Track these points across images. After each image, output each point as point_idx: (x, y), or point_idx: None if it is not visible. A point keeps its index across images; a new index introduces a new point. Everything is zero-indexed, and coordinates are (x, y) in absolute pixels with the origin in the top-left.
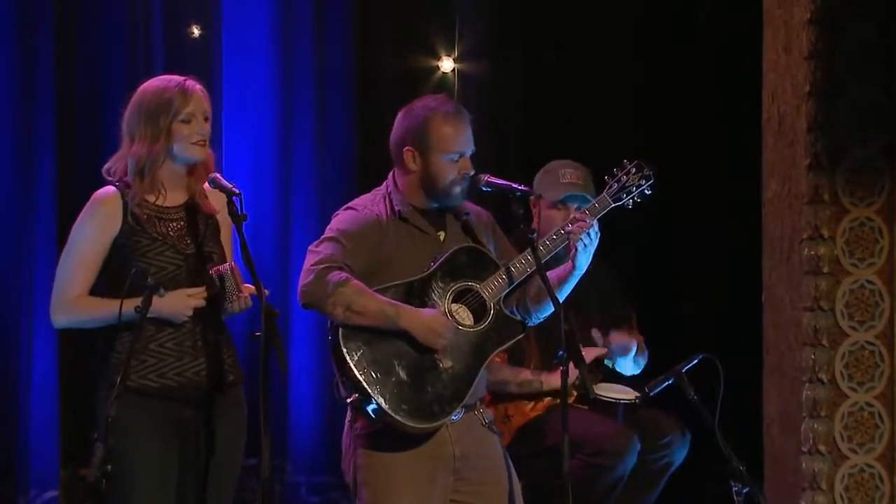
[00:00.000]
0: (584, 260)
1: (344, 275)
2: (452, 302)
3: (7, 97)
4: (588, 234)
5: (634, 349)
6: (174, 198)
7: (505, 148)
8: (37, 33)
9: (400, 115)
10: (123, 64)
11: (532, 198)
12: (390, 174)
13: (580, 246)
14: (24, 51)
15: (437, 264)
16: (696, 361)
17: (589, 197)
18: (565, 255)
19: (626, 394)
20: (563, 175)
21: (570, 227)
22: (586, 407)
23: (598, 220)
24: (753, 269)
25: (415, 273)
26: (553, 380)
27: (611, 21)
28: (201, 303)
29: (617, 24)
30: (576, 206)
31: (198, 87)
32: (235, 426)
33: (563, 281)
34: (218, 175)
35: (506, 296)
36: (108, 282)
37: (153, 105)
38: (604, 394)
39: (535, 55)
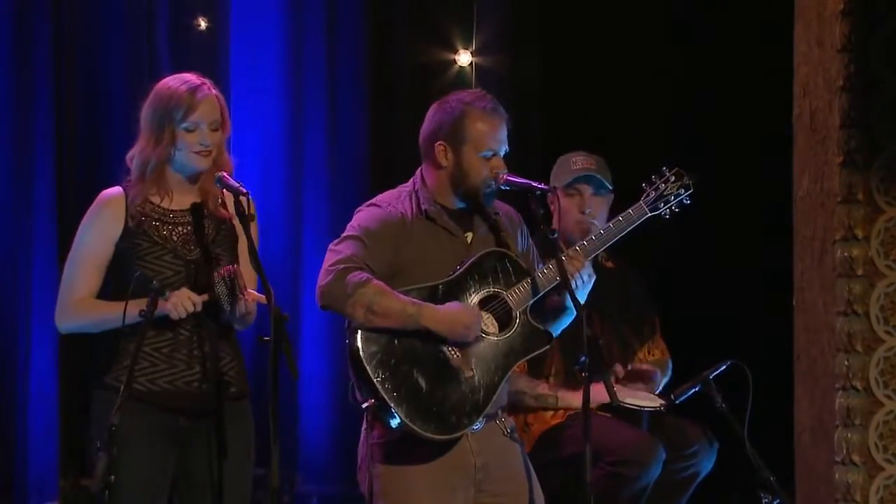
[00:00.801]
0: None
1: (364, 275)
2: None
3: (2, 96)
4: (581, 276)
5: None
6: (182, 201)
7: (524, 145)
8: (33, 25)
9: (432, 108)
10: (126, 58)
11: (549, 194)
12: (418, 171)
13: (573, 286)
14: (20, 44)
15: (463, 268)
16: (724, 368)
17: (602, 178)
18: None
19: (650, 401)
20: (574, 162)
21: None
22: (609, 414)
23: (633, 228)
24: (784, 271)
25: (439, 276)
26: (570, 398)
27: (632, 12)
28: (199, 304)
29: (639, 16)
30: (590, 188)
31: (212, 93)
32: (240, 441)
33: (566, 308)
34: (225, 174)
35: (532, 304)
36: (112, 285)
37: (162, 106)
38: (628, 401)
39: (555, 49)
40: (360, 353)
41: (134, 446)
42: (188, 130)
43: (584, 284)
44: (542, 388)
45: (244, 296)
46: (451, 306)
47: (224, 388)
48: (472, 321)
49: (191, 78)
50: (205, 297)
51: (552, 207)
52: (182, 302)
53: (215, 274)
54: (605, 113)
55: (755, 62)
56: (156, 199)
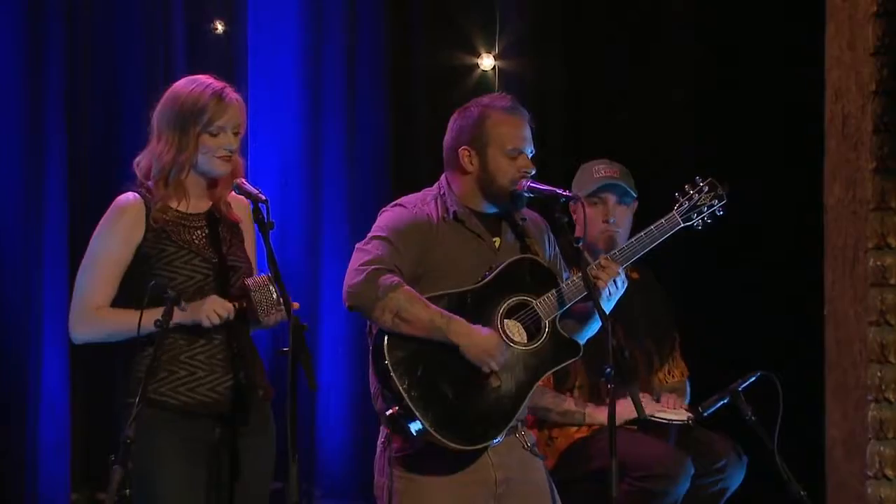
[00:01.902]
0: (607, 308)
1: (396, 279)
2: (506, 317)
3: (13, 97)
4: (614, 283)
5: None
6: (197, 205)
7: (547, 150)
8: (46, 28)
9: (453, 117)
10: (141, 62)
11: (572, 203)
12: (442, 177)
13: (605, 294)
14: (32, 47)
15: (492, 275)
16: (753, 379)
17: (626, 186)
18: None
19: (678, 414)
20: (596, 170)
21: (594, 272)
22: (636, 428)
23: (665, 239)
24: (815, 281)
25: (467, 281)
26: (597, 414)
27: (658, 15)
28: (232, 312)
29: (666, 18)
30: (614, 197)
31: (235, 97)
32: (265, 445)
33: (590, 318)
34: (243, 180)
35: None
36: (129, 293)
37: (185, 111)
38: (655, 414)
39: (579, 52)
40: (386, 358)
41: (170, 464)
42: (212, 135)
43: (616, 292)
44: (569, 405)
45: (280, 304)
46: (480, 330)
47: (255, 392)
48: (496, 350)
49: (211, 81)
50: (237, 304)
51: (575, 216)
52: (216, 310)
53: (248, 282)
54: (632, 118)
55: (784, 64)
56: (174, 204)
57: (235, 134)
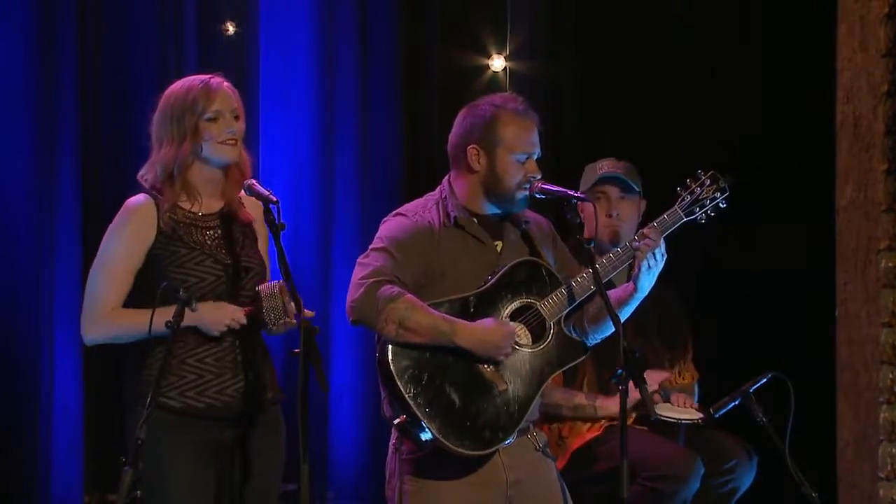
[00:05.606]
0: (646, 282)
1: (396, 289)
2: (510, 320)
3: (26, 98)
4: (654, 255)
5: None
6: (210, 205)
7: (559, 153)
8: (58, 29)
9: (462, 113)
10: (153, 64)
11: (581, 203)
12: (445, 179)
13: (644, 266)
14: (45, 48)
15: (494, 278)
16: (764, 381)
17: (626, 178)
18: (629, 271)
19: (689, 414)
20: (600, 167)
21: (636, 244)
22: (646, 428)
23: (666, 236)
24: (826, 282)
25: (469, 286)
26: (608, 405)
27: (672, 16)
28: (242, 320)
29: (679, 20)
30: (617, 190)
31: (224, 83)
32: (274, 448)
33: (623, 302)
34: (254, 181)
35: (566, 314)
36: (140, 294)
37: (178, 106)
38: (665, 414)
39: (591, 53)
40: (391, 367)
41: (179, 466)
42: (211, 120)
43: (656, 264)
44: (580, 399)
45: (289, 314)
46: (485, 323)
47: (263, 395)
48: (504, 340)
49: (199, 75)
50: (247, 310)
51: (583, 217)
52: (225, 322)
53: (259, 289)
54: (646, 120)
55: (799, 67)
56: (185, 205)
57: (236, 118)
